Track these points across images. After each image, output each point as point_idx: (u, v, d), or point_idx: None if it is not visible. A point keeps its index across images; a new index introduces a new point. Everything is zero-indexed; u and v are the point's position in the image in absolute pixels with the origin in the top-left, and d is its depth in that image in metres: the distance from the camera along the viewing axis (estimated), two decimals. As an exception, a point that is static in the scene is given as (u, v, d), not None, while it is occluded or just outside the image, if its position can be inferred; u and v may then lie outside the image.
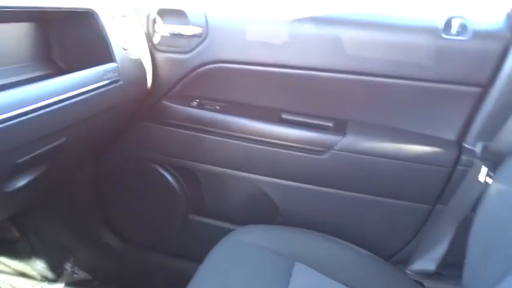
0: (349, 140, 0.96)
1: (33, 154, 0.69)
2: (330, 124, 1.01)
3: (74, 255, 1.31)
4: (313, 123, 1.02)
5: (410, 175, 0.96)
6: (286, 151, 1.00)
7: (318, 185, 1.03)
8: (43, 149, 0.71)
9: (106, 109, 0.88)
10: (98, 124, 0.91)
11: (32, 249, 1.27)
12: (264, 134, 1.00)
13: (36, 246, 1.28)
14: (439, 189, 0.97)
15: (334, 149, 0.97)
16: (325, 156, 0.98)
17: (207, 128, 1.04)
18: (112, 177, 1.18)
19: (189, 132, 1.05)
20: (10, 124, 0.57)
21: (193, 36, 1.01)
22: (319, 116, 1.03)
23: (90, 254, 1.32)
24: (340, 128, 0.99)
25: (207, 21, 0.99)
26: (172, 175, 1.12)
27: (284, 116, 1.04)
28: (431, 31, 0.90)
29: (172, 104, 1.06)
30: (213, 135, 1.04)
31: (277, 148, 1.00)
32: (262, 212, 1.11)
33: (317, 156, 0.99)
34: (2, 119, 0.56)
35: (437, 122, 0.98)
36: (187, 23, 1.00)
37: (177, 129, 1.06)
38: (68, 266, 1.30)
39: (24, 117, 0.60)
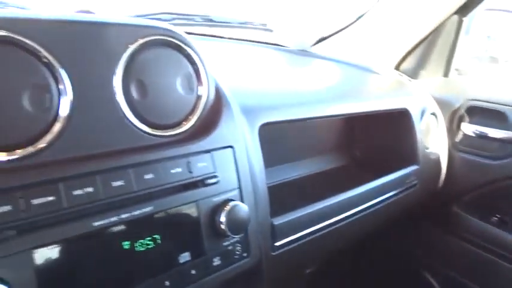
0: None
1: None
2: None
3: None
4: None
5: None
6: None
7: None
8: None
9: (395, 214, 0.82)
10: (380, 225, 0.85)
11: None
12: None
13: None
14: None
15: None
16: None
17: (507, 255, 0.84)
18: (375, 271, 1.10)
19: (481, 251, 0.88)
20: (319, 235, 0.57)
21: (509, 141, 0.84)
22: None
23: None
24: None
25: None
26: (444, 290, 0.96)
27: None
28: None
29: (464, 213, 0.91)
30: (514, 266, 0.83)
31: None
32: None
33: None
34: (311, 231, 0.56)
35: None
36: (504, 125, 0.85)
37: (465, 243, 0.91)
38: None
39: (326, 230, 0.59)
